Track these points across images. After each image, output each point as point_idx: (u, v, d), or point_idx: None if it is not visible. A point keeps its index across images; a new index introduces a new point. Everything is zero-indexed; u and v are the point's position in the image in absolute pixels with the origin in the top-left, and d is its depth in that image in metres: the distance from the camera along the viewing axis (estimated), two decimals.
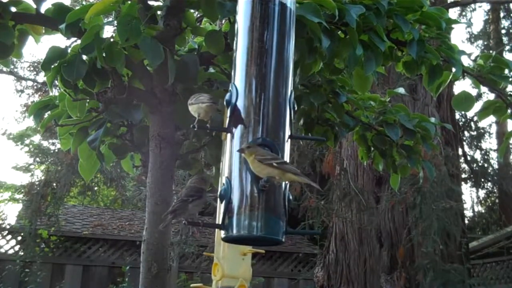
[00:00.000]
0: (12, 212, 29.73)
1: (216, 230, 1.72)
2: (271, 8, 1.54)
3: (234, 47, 1.58)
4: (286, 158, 1.46)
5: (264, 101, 1.47)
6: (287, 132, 1.49)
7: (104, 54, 1.99)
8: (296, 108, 1.54)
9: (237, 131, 1.47)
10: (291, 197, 1.48)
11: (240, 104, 1.48)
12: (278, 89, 1.50)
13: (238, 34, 1.57)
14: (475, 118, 13.07)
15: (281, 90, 1.50)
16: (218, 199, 1.47)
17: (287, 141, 1.49)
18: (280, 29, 1.54)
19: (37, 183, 9.67)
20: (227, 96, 1.51)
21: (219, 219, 1.71)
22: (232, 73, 1.55)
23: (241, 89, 1.49)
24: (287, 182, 1.45)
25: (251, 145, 1.41)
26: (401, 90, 2.82)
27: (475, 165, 13.25)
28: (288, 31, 1.56)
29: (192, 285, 1.83)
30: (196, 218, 1.70)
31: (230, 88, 1.52)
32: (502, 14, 15.28)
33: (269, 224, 1.40)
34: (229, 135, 1.49)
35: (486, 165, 13.35)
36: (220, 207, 1.70)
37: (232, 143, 1.47)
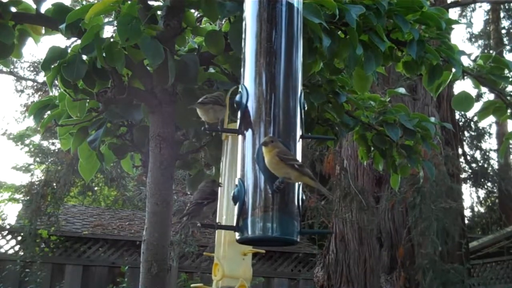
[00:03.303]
0: (12, 212, 29.75)
1: (217, 230, 1.72)
2: (279, 8, 1.54)
3: (242, 48, 1.57)
4: (299, 158, 1.46)
5: (275, 101, 1.47)
6: (298, 132, 1.49)
7: (104, 54, 1.99)
8: (306, 108, 1.53)
9: (249, 132, 1.47)
10: (304, 197, 1.48)
11: (251, 104, 1.48)
12: (288, 89, 1.50)
13: (246, 34, 1.57)
14: (475, 118, 13.07)
15: (291, 90, 1.50)
16: (231, 201, 1.46)
17: (299, 141, 1.49)
18: (288, 29, 1.54)
19: (37, 183, 9.66)
20: (237, 98, 1.50)
21: (220, 220, 1.72)
22: (242, 74, 1.55)
23: (251, 90, 1.49)
24: (300, 183, 1.46)
25: (274, 139, 1.40)
26: (401, 90, 2.82)
27: (475, 165, 13.26)
28: (296, 31, 1.56)
29: (192, 285, 1.83)
30: (209, 220, 1.70)
31: (240, 90, 1.51)
32: (502, 14, 15.28)
33: (284, 224, 1.40)
34: (240, 136, 1.49)
35: (486, 165, 13.35)
36: (223, 208, 1.70)
37: (244, 144, 1.47)
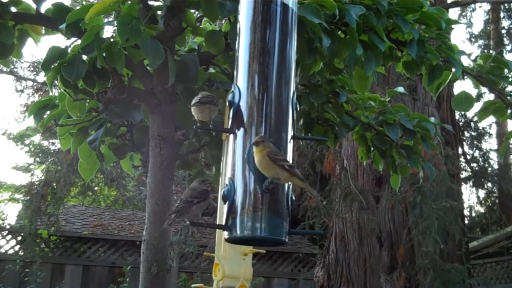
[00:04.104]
0: (12, 212, 29.74)
1: (217, 230, 1.72)
2: (273, 8, 1.54)
3: (236, 48, 1.58)
4: (289, 158, 1.46)
5: (267, 101, 1.48)
6: (290, 133, 1.49)
7: (104, 54, 1.99)
8: (298, 109, 1.54)
9: (240, 132, 1.47)
10: (294, 198, 1.48)
11: (243, 104, 1.48)
12: (281, 89, 1.50)
13: (240, 34, 1.58)
14: (475, 118, 13.07)
15: (283, 90, 1.50)
16: (221, 200, 1.47)
17: (290, 141, 1.49)
18: (282, 30, 1.55)
19: (37, 183, 9.66)
20: (229, 97, 1.51)
21: (220, 220, 1.72)
22: (235, 74, 1.55)
23: (244, 90, 1.49)
24: (289, 183, 1.46)
25: (265, 139, 1.41)
26: (400, 89, 2.82)
27: (475, 165, 13.26)
28: (290, 32, 1.56)
29: (192, 285, 1.83)
30: (200, 218, 1.70)
31: (232, 89, 1.52)
32: (502, 14, 15.28)
33: (273, 224, 1.41)
34: (231, 136, 1.49)
35: (486, 165, 13.35)
36: (223, 208, 1.70)
37: (235, 144, 1.47)
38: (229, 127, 1.51)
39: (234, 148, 1.47)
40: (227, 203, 1.44)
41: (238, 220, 1.41)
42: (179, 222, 1.69)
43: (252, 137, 1.44)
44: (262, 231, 1.39)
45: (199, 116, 1.76)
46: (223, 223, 1.46)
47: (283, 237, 1.43)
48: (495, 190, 13.54)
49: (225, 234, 1.45)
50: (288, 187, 1.46)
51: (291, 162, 1.45)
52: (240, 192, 1.43)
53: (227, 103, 1.57)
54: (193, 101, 1.76)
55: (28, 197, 9.34)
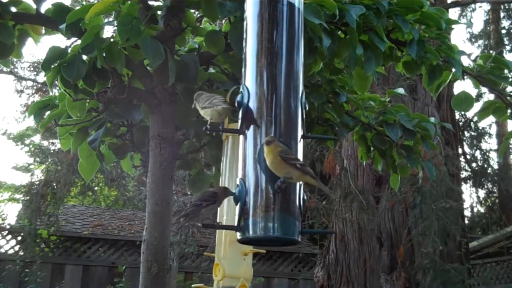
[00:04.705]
0: (12, 212, 29.75)
1: (217, 230, 1.72)
2: (280, 8, 1.54)
3: (243, 48, 1.57)
4: (300, 158, 1.46)
5: (276, 101, 1.48)
6: (300, 132, 1.49)
7: (104, 54, 1.99)
8: (307, 108, 1.53)
9: (250, 132, 1.47)
10: (305, 197, 1.48)
11: (252, 105, 1.48)
12: (289, 89, 1.50)
13: (247, 34, 1.57)
14: (475, 118, 13.07)
15: (292, 90, 1.50)
16: (232, 200, 1.46)
17: (300, 141, 1.49)
18: (289, 29, 1.55)
19: (37, 183, 9.66)
20: (238, 98, 1.51)
21: (221, 219, 1.72)
22: (243, 74, 1.55)
23: (253, 90, 1.49)
24: (301, 182, 1.45)
25: (276, 138, 1.40)
26: (400, 90, 2.82)
27: (475, 165, 13.26)
28: (297, 31, 1.56)
29: (193, 285, 1.84)
30: (211, 221, 1.70)
31: (241, 89, 1.52)
32: (502, 14, 15.29)
33: (285, 224, 1.41)
34: (241, 136, 1.49)
35: (486, 165, 13.35)
36: (223, 208, 1.70)
37: (246, 144, 1.47)
38: (239, 127, 1.50)
39: (245, 148, 1.47)
40: (239, 204, 1.43)
41: (251, 221, 1.41)
42: (190, 225, 1.69)
43: (262, 137, 1.44)
44: (275, 231, 1.39)
45: (216, 119, 1.76)
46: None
47: (296, 237, 1.43)
48: (495, 190, 13.55)
49: (238, 235, 1.45)
50: (300, 187, 1.46)
51: (302, 160, 1.45)
52: (252, 192, 1.42)
53: (231, 103, 1.57)
54: (219, 102, 1.74)
55: (28, 197, 9.34)
